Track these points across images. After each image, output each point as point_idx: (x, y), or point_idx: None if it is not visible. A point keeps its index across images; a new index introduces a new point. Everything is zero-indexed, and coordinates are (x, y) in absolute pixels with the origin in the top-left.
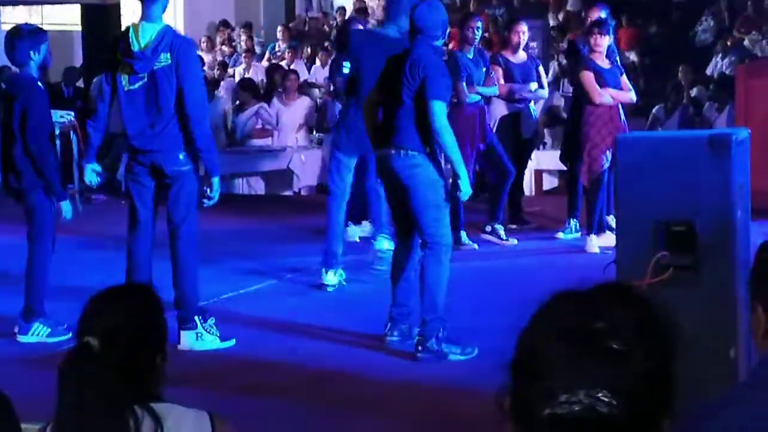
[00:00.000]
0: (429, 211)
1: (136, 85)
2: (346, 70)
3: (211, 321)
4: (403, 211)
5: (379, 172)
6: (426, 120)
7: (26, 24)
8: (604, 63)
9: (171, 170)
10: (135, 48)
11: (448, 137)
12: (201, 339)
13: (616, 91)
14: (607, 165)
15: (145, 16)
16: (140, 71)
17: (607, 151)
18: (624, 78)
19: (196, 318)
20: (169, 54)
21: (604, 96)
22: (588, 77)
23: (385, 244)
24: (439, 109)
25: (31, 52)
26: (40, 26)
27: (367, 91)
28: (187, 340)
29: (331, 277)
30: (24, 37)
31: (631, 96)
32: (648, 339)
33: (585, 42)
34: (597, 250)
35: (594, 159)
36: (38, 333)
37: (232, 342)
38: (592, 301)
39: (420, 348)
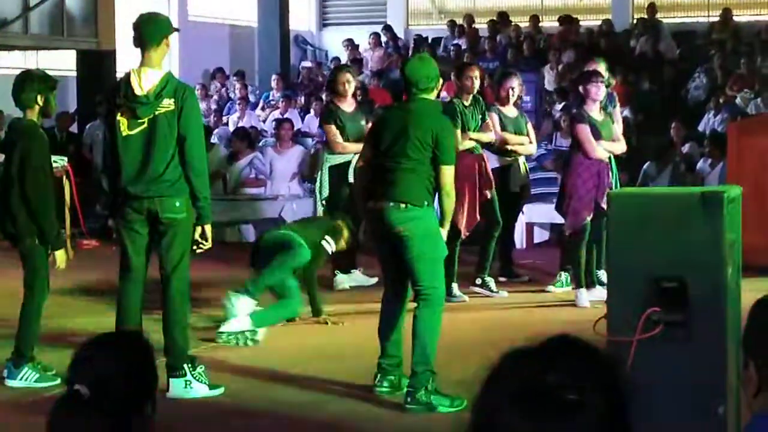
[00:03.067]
0: (425, 262)
1: (135, 131)
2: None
3: (201, 368)
4: (395, 263)
5: (371, 226)
6: (429, 178)
7: (37, 69)
8: (597, 114)
9: (167, 217)
10: (138, 92)
11: (451, 201)
12: (190, 387)
13: (609, 144)
14: (588, 220)
15: (146, 62)
16: (142, 116)
17: (591, 205)
18: (615, 127)
19: (185, 366)
20: (173, 100)
21: (598, 151)
22: (583, 131)
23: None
24: (450, 174)
25: (38, 97)
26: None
27: None
28: (176, 387)
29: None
30: (34, 81)
31: (622, 146)
32: (601, 386)
33: (576, 93)
34: (588, 305)
35: (576, 212)
36: (27, 378)
37: (221, 390)
38: (542, 356)
39: (409, 399)
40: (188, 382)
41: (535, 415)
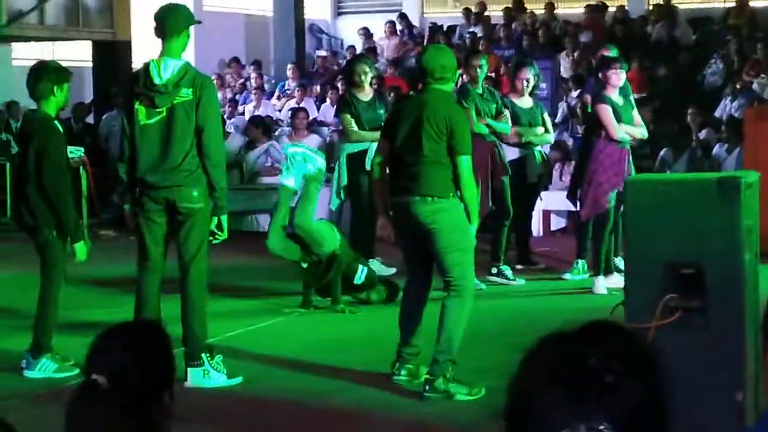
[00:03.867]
0: (454, 254)
1: (153, 120)
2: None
3: (219, 358)
4: (420, 256)
5: (396, 219)
6: (451, 168)
7: (52, 61)
8: (618, 99)
9: (184, 207)
10: (157, 81)
11: (471, 191)
12: (208, 376)
13: (630, 128)
14: (609, 206)
15: (166, 52)
16: (160, 105)
17: (612, 192)
18: (636, 113)
19: (203, 355)
20: (191, 90)
21: (620, 132)
22: (606, 111)
23: None
24: (467, 164)
25: (55, 88)
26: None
27: None
28: (194, 377)
29: None
30: (50, 72)
31: (643, 132)
32: (639, 370)
33: (596, 80)
34: (605, 291)
35: (597, 198)
36: (45, 368)
37: (239, 379)
38: (580, 340)
39: (428, 387)
40: (206, 372)
41: (575, 396)
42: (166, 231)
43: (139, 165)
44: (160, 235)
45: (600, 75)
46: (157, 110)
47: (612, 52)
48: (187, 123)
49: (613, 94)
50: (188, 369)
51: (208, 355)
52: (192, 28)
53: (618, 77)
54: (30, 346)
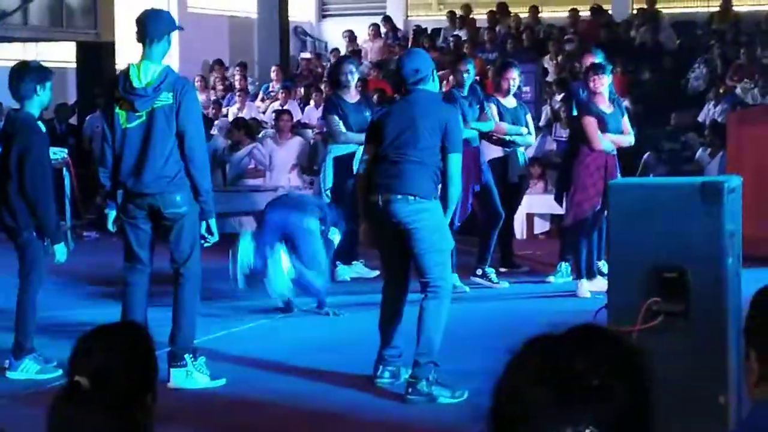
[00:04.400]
0: (433, 254)
1: (134, 124)
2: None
3: (202, 360)
4: (399, 256)
5: (376, 218)
6: (436, 170)
7: (32, 61)
8: (605, 106)
9: (170, 212)
10: (137, 85)
11: (457, 190)
12: (190, 377)
13: (615, 137)
14: (592, 212)
15: (147, 56)
16: (140, 108)
17: (595, 198)
18: (625, 120)
19: (186, 356)
20: (171, 94)
21: (604, 142)
22: (590, 124)
23: None
24: (458, 162)
25: (38, 87)
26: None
27: None
28: (177, 378)
29: None
30: (32, 72)
31: (630, 139)
32: (625, 373)
33: (584, 87)
34: (588, 295)
35: (578, 204)
36: (27, 369)
37: (222, 381)
38: (568, 342)
39: (410, 390)
40: (189, 373)
41: (562, 398)
42: (152, 235)
43: (121, 169)
44: (145, 240)
45: (587, 82)
46: (137, 114)
47: (598, 57)
48: (167, 127)
49: (602, 103)
50: (171, 370)
51: (191, 356)
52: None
53: (597, 84)
54: (12, 347)
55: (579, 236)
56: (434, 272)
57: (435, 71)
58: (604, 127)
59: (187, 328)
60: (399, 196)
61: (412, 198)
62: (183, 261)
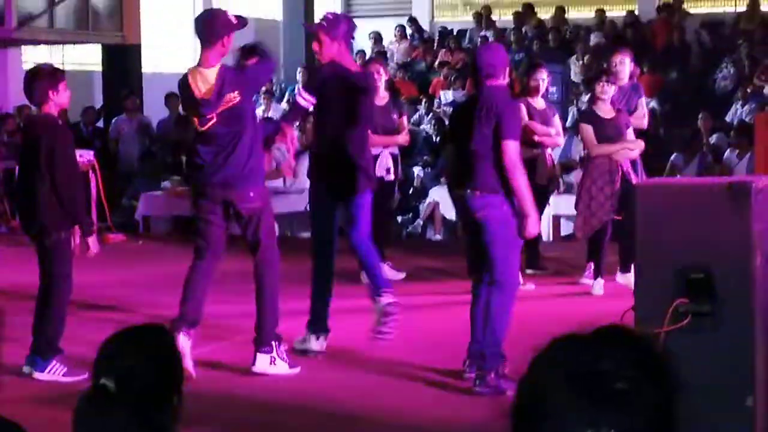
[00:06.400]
0: (498, 248)
1: (207, 126)
2: None
3: (283, 348)
4: (478, 248)
5: (456, 211)
6: (499, 161)
7: (45, 64)
8: (605, 111)
9: (244, 207)
10: (196, 94)
11: (519, 176)
12: (274, 364)
13: (615, 145)
14: (606, 217)
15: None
16: (207, 114)
17: (607, 204)
18: (630, 130)
19: (273, 343)
20: (236, 92)
21: (599, 149)
22: (587, 131)
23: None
24: (513, 148)
25: (50, 92)
26: (59, 66)
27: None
28: (262, 362)
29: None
30: (44, 77)
31: (639, 143)
32: (651, 377)
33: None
34: (602, 293)
35: (593, 213)
36: (55, 371)
37: (297, 370)
38: (594, 344)
39: (478, 382)
40: (273, 359)
41: (587, 400)
42: (224, 230)
43: (201, 168)
44: (219, 235)
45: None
46: (207, 117)
47: (626, 59)
48: (238, 125)
49: (602, 108)
50: (257, 354)
51: (277, 343)
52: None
53: (602, 90)
54: (38, 348)
55: (601, 239)
56: (499, 265)
57: (508, 68)
58: (603, 132)
59: (270, 315)
60: (468, 191)
61: (478, 192)
62: (263, 249)
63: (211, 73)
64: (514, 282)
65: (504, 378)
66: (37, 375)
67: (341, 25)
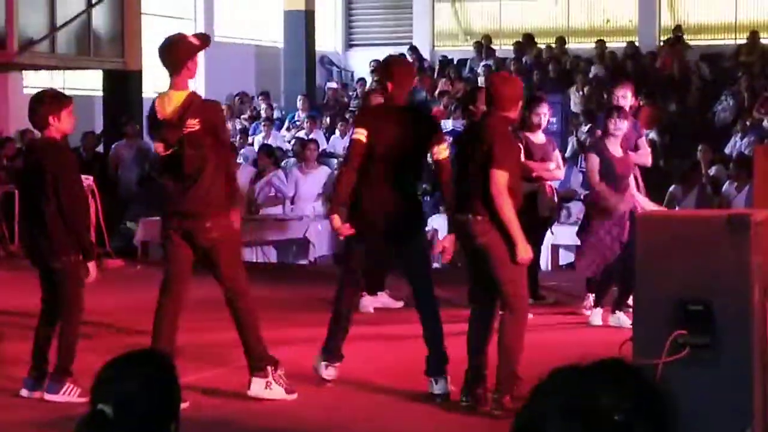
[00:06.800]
0: (505, 269)
1: (169, 151)
2: None
3: (281, 372)
4: (481, 274)
5: (457, 236)
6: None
7: (50, 89)
8: (616, 149)
9: (202, 237)
10: (159, 115)
11: (503, 204)
12: (270, 388)
13: (611, 198)
14: (613, 257)
15: (171, 85)
16: (167, 135)
17: (614, 245)
18: (640, 153)
19: (268, 367)
20: (197, 120)
21: (601, 185)
22: (592, 161)
23: None
24: (498, 178)
25: (51, 117)
26: (63, 91)
27: None
28: (257, 387)
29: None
30: (46, 102)
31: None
32: (649, 412)
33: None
34: (601, 323)
35: (600, 253)
36: (71, 392)
37: (294, 396)
38: (593, 376)
39: (495, 405)
40: (269, 383)
41: (584, 431)
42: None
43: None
44: (186, 263)
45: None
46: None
47: (628, 94)
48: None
49: (613, 144)
50: (252, 378)
51: (273, 367)
52: (203, 58)
53: (614, 126)
54: (54, 370)
55: (608, 280)
56: (509, 288)
57: (521, 101)
58: (612, 171)
59: (255, 341)
60: (470, 216)
61: (480, 217)
62: (231, 282)
63: (179, 97)
64: (525, 302)
65: (521, 401)
66: (50, 397)
67: None
